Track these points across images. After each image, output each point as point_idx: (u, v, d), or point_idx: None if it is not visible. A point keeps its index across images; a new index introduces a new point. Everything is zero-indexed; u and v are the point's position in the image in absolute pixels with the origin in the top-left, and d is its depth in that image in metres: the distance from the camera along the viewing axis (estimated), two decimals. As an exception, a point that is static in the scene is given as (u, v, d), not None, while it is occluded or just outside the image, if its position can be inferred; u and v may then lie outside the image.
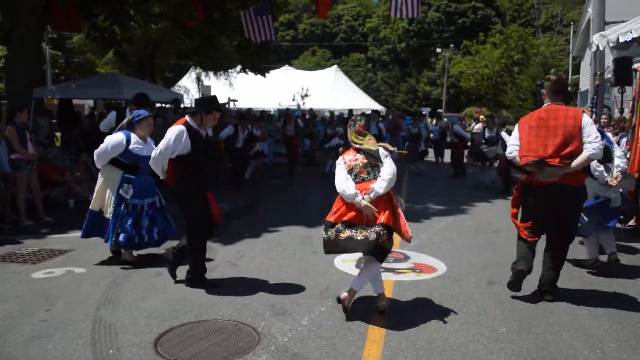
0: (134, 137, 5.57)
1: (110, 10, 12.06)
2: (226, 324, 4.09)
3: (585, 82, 17.22)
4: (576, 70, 28.13)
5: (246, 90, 26.23)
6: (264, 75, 22.98)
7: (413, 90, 51.15)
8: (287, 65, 37.52)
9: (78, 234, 7.00)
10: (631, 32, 8.26)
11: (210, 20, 13.45)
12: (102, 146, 5.51)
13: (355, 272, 5.36)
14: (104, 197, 5.65)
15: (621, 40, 8.50)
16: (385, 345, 3.71)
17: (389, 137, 16.33)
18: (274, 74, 27.95)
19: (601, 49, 9.89)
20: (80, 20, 12.64)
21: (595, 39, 9.81)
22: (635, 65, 7.88)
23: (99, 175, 5.71)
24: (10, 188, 7.51)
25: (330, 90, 29.36)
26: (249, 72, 22.96)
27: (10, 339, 3.78)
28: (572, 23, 33.50)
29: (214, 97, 5.20)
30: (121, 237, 5.46)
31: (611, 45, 9.26)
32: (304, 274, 5.33)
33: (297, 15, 58.38)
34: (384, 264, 5.65)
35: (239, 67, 23.17)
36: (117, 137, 5.53)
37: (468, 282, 5.12)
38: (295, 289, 4.87)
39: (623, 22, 9.43)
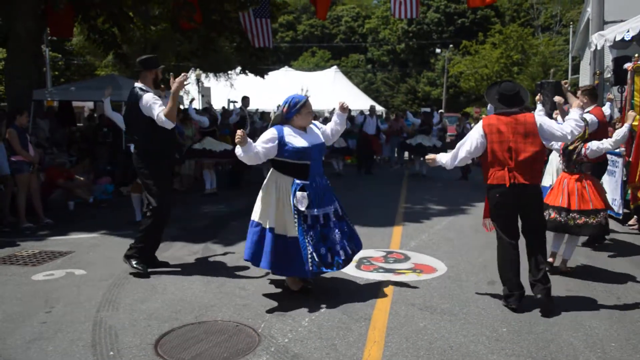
0: (287, 129, 4.50)
1: (109, 13, 12.06)
2: (226, 325, 4.09)
3: (585, 81, 17.23)
4: (576, 70, 28.12)
5: (246, 92, 26.22)
6: (263, 76, 22.98)
7: (413, 91, 51.15)
8: (286, 67, 37.52)
9: (78, 235, 7.05)
10: (628, 31, 8.28)
11: (209, 22, 13.45)
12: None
13: (355, 273, 5.37)
14: (270, 208, 4.50)
15: (618, 39, 8.52)
16: (386, 346, 3.71)
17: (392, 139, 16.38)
18: (273, 75, 27.94)
19: (599, 48, 9.91)
20: (78, 23, 12.66)
21: (594, 38, 9.83)
22: (626, 65, 7.88)
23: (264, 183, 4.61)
24: (9, 190, 7.52)
25: (329, 91, 29.32)
26: (249, 74, 22.96)
27: (10, 341, 3.78)
28: (571, 23, 33.48)
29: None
30: (316, 257, 4.37)
31: (609, 44, 9.28)
32: (304, 274, 5.32)
33: (296, 16, 58.35)
34: (383, 265, 5.68)
35: (238, 69, 23.18)
36: (265, 136, 4.48)
37: (468, 282, 5.12)
38: (295, 290, 4.85)
39: (622, 21, 9.46)
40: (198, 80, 26.54)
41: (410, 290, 4.86)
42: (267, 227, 4.44)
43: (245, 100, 11.90)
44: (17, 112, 7.74)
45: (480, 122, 4.50)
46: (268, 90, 26.22)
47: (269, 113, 21.25)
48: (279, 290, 4.84)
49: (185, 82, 5.03)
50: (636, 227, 7.33)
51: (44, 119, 12.50)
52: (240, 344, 3.74)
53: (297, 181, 4.43)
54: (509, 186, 4.27)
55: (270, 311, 4.32)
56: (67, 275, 5.32)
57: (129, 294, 4.74)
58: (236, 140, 4.28)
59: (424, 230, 7.42)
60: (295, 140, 4.45)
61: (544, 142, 4.42)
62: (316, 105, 27.29)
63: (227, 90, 25.66)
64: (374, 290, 4.84)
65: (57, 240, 6.80)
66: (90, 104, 19.85)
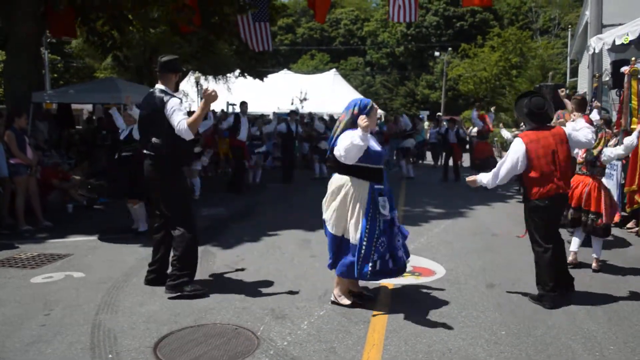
0: (362, 132, 4.18)
1: (109, 16, 12.07)
2: (225, 328, 4.09)
3: (583, 84, 17.25)
4: (574, 73, 28.18)
5: (245, 94, 26.24)
6: (262, 79, 23.01)
7: (411, 94, 51.21)
8: (285, 69, 37.53)
9: (76, 238, 7.04)
10: (628, 35, 8.31)
11: (208, 25, 13.46)
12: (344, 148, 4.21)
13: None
14: (346, 217, 4.33)
15: (617, 42, 8.56)
16: (385, 349, 3.71)
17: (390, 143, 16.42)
18: (272, 78, 27.94)
19: (597, 51, 9.94)
20: (78, 26, 12.65)
21: (593, 41, 9.86)
22: (623, 69, 7.93)
23: (335, 190, 4.38)
24: (7, 193, 7.51)
25: (328, 94, 29.36)
26: (248, 77, 22.99)
27: (9, 344, 3.78)
28: (569, 26, 33.58)
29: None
30: (378, 265, 4.23)
31: (607, 47, 9.31)
32: (303, 277, 5.33)
33: (295, 19, 58.42)
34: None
35: (237, 72, 23.21)
36: (351, 135, 4.18)
37: (467, 285, 5.12)
38: (294, 292, 4.86)
39: (620, 24, 9.48)
40: (197, 83, 26.59)
41: (409, 293, 4.86)
42: (332, 232, 4.38)
43: (244, 106, 11.90)
44: (15, 114, 7.74)
45: (520, 141, 4.51)
46: (267, 93, 26.25)
47: (268, 116, 21.22)
48: (278, 293, 4.84)
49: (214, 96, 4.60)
50: (634, 230, 7.34)
51: (42, 121, 12.49)
52: (239, 347, 3.74)
53: (376, 186, 4.27)
54: (558, 196, 4.48)
55: (269, 314, 4.32)
56: (66, 277, 5.31)
57: (128, 297, 4.74)
58: (363, 125, 4.08)
59: (423, 233, 7.43)
60: (373, 143, 4.36)
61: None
62: (315, 108, 27.40)
63: (226, 93, 25.70)
64: (373, 293, 4.85)
65: (55, 243, 6.79)
66: (89, 107, 19.82)
